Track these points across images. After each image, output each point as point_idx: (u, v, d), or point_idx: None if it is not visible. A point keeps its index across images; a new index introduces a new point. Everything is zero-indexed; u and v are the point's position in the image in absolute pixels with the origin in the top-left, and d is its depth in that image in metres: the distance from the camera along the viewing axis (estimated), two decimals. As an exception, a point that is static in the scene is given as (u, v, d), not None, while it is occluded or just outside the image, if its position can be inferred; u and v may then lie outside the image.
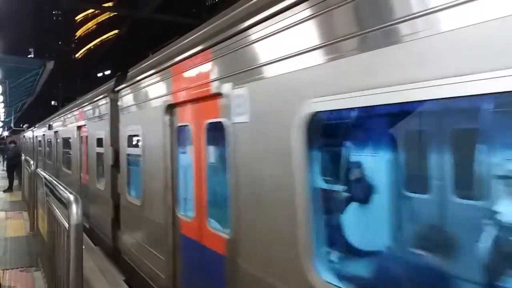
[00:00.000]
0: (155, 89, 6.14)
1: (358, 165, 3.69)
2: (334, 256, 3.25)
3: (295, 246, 3.00)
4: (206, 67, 4.55)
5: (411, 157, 3.71)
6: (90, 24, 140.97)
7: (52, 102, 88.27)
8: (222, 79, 4.17)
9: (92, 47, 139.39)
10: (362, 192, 3.68)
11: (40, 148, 25.16)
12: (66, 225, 3.79)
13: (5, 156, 19.95)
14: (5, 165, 20.49)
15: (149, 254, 6.20)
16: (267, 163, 3.46)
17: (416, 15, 2.15)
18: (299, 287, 2.95)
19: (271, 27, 3.40)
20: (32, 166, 9.35)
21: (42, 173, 6.68)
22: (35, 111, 60.59)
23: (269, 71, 3.45)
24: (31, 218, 9.42)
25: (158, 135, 5.79)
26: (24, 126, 47.68)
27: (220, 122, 4.23)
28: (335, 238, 3.33)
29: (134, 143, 7.15)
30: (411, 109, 2.97)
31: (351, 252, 3.44)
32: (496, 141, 2.81)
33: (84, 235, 6.59)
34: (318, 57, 2.89)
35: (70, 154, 14.07)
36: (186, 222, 5.23)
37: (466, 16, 1.92)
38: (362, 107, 2.59)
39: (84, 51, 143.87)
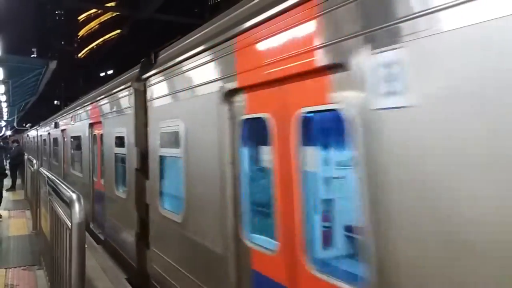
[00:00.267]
0: (205, 71, 4.61)
1: None
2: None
3: None
4: (307, 28, 3.08)
5: None
6: (93, 24, 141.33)
7: (55, 102, 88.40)
8: (343, 41, 2.71)
9: (94, 47, 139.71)
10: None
11: (45, 147, 23.48)
12: (69, 223, 3.81)
13: (8, 155, 19.95)
14: (8, 164, 20.51)
15: None
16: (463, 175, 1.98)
17: None
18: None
19: None
20: (35, 165, 9.35)
21: (45, 172, 6.71)
22: (38, 110, 60.70)
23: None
24: (34, 217, 9.45)
25: (210, 132, 4.42)
26: (27, 126, 47.81)
27: (332, 109, 2.91)
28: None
29: (171, 142, 5.67)
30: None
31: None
32: None
33: (87, 233, 6.52)
34: None
35: (80, 154, 12.20)
36: (263, 255, 3.73)
37: None
38: None
39: (86, 51, 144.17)
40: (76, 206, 3.62)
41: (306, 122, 3.26)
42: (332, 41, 2.83)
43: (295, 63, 3.18)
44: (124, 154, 7.40)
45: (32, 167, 9.72)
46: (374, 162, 2.44)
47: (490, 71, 1.85)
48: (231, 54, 4.07)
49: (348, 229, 3.12)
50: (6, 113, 46.40)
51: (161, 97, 5.94)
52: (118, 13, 79.27)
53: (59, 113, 19.19)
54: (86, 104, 11.39)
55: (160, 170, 5.99)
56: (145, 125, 6.52)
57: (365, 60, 2.51)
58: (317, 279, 2.99)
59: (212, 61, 4.49)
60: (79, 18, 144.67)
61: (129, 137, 7.06)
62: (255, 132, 4.02)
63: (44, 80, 23.95)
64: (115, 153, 8.03)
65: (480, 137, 1.89)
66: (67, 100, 57.76)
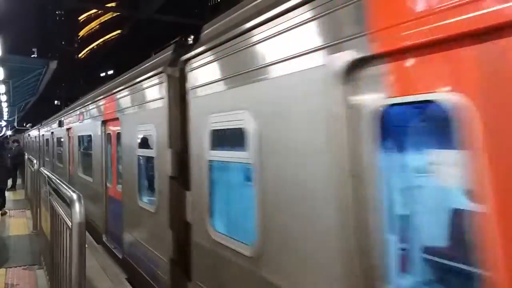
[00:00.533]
0: (297, 38, 3.12)
1: None
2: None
3: None
4: None
5: None
6: (93, 24, 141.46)
7: (55, 102, 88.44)
8: None
9: (95, 47, 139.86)
10: None
11: (47, 147, 21.82)
12: (69, 223, 3.82)
13: (8, 155, 19.92)
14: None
15: None
16: None
17: None
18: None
19: None
20: (35, 165, 9.36)
21: (45, 171, 6.72)
22: (38, 110, 60.77)
23: None
24: (34, 217, 9.46)
25: (312, 127, 2.95)
26: (27, 125, 47.83)
27: None
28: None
29: (230, 142, 4.34)
30: None
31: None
32: None
33: (87, 233, 6.48)
34: None
35: (90, 156, 10.71)
36: None
37: None
38: None
39: (87, 51, 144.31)
40: (77, 206, 3.62)
41: None
42: None
43: None
44: (152, 157, 5.98)
45: (33, 167, 9.72)
46: None
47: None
48: (358, 2, 2.56)
49: None
50: (7, 113, 46.44)
51: (212, 82, 4.41)
52: (118, 13, 79.31)
53: (64, 110, 17.41)
54: (97, 99, 9.91)
55: (210, 179, 4.45)
56: (183, 120, 5.08)
57: None
58: None
59: (312, 19, 2.95)
60: (79, 18, 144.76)
61: (159, 136, 5.62)
62: (415, 126, 2.78)
63: (44, 80, 23.99)
64: (139, 156, 6.60)
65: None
66: (68, 100, 57.79)
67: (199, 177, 4.62)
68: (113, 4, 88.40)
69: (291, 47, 3.16)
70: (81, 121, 12.18)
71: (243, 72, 3.80)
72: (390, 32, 2.33)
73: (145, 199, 6.48)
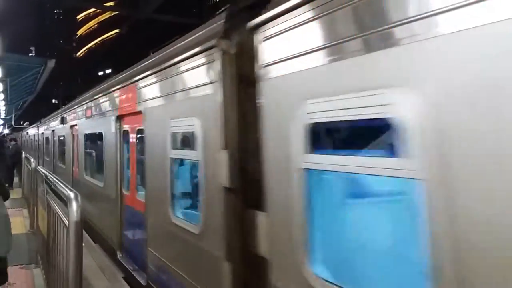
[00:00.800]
0: None
1: None
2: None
3: None
4: None
5: None
6: (92, 23, 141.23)
7: (53, 101, 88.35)
8: None
9: (93, 46, 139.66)
10: None
11: (47, 146, 20.44)
12: (66, 222, 3.82)
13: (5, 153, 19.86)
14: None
15: None
16: None
17: None
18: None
19: None
20: (33, 163, 9.33)
21: (42, 170, 6.71)
22: (36, 109, 60.68)
23: None
24: (31, 216, 9.44)
25: None
26: (25, 124, 47.72)
27: None
28: None
29: (343, 142, 3.25)
30: None
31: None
32: None
33: (84, 232, 6.45)
34: None
35: (99, 157, 9.52)
36: None
37: None
38: None
39: (85, 50, 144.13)
40: (74, 205, 3.62)
41: None
42: None
43: None
44: (194, 160, 4.67)
45: (30, 165, 9.69)
46: None
47: None
48: None
49: None
50: (4, 112, 46.35)
51: (310, 51, 2.87)
52: (117, 12, 79.26)
53: (67, 105, 15.62)
54: (110, 91, 8.32)
55: (308, 196, 2.95)
56: (243, 112, 3.81)
57: None
58: None
59: None
60: (78, 17, 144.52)
61: (207, 133, 4.25)
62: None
63: (42, 79, 23.95)
64: (172, 158, 5.18)
65: None
66: (65, 99, 57.72)
67: (283, 193, 3.13)
68: (111, 3, 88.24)
69: None
70: (88, 117, 10.67)
71: (392, 25, 2.22)
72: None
73: (183, 215, 5.05)
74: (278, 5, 3.21)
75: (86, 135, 10.97)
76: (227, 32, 4.03)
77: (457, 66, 1.90)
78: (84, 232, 4.69)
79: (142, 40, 76.44)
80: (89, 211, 9.80)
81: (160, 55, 5.81)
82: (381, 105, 2.29)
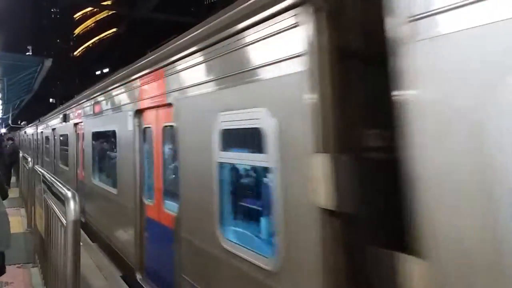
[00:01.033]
0: None
1: None
2: None
3: None
4: None
5: None
6: (89, 22, 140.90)
7: (50, 100, 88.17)
8: None
9: (90, 45, 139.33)
10: None
11: (47, 146, 19.42)
12: (64, 221, 3.82)
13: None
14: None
15: None
16: None
17: None
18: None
19: None
20: (30, 163, 9.30)
21: (40, 169, 6.70)
22: (33, 108, 60.54)
23: None
24: (29, 215, 9.43)
25: None
26: (22, 123, 47.58)
27: None
28: None
29: None
30: None
31: None
32: None
33: (82, 231, 6.39)
34: None
35: (112, 159, 8.40)
36: None
37: None
38: None
39: (82, 49, 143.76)
40: (71, 204, 3.62)
41: None
42: None
43: None
44: (262, 167, 3.60)
45: (27, 165, 9.67)
46: None
47: None
48: None
49: None
50: (1, 111, 46.20)
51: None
52: (114, 11, 79.10)
53: (71, 101, 14.00)
54: (125, 82, 7.08)
55: None
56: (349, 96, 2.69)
57: None
58: None
59: None
60: (75, 16, 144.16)
61: (286, 130, 3.10)
62: None
63: (39, 78, 23.87)
64: (221, 163, 4.04)
65: None
66: (63, 98, 57.62)
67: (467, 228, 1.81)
68: (109, 2, 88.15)
69: None
70: (97, 114, 9.37)
71: None
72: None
73: (240, 239, 3.86)
74: None
75: (94, 133, 9.73)
76: None
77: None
78: (81, 231, 4.68)
79: (139, 39, 76.29)
80: (98, 220, 9.26)
81: (206, 27, 4.31)
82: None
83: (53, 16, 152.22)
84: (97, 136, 9.65)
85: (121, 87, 7.35)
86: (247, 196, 4.10)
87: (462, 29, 1.78)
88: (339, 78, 2.64)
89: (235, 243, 3.80)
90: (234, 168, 4.17)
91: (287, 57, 3.01)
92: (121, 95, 7.45)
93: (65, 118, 13.64)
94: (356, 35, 2.58)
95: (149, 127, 6.25)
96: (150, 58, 5.96)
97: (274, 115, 3.17)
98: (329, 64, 2.66)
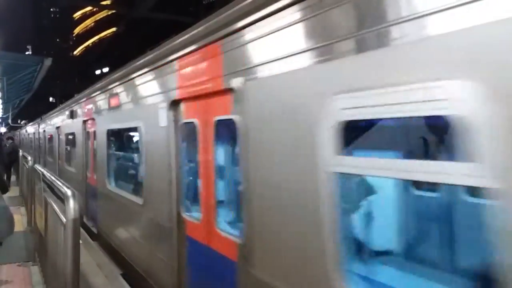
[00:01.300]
0: None
1: None
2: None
3: None
4: None
5: None
6: (88, 22, 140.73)
7: (50, 99, 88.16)
8: None
9: (90, 44, 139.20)
10: None
11: (50, 146, 18.20)
12: (64, 219, 3.84)
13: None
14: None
15: None
16: None
17: None
18: None
19: None
20: (30, 161, 9.30)
21: (40, 168, 6.72)
22: (33, 108, 60.53)
23: None
24: (29, 213, 9.45)
25: None
26: (22, 122, 47.53)
27: None
28: None
29: None
30: None
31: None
32: None
33: (82, 229, 6.34)
34: None
35: (134, 162, 7.53)
36: None
37: None
38: None
39: (82, 48, 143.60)
40: (71, 202, 3.64)
41: None
42: None
43: None
44: (468, 187, 2.81)
45: (27, 164, 9.67)
46: None
47: None
48: None
49: None
50: (1, 110, 46.20)
51: None
52: (113, 11, 79.05)
53: (78, 96, 12.27)
54: (155, 67, 5.70)
55: None
56: None
57: None
58: None
59: None
60: (74, 16, 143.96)
61: None
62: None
63: (39, 77, 23.88)
64: (335, 174, 2.60)
65: None
66: (63, 97, 57.63)
67: None
68: (108, 2, 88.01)
69: None
70: (113, 108, 7.88)
71: None
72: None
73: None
74: None
75: (110, 131, 8.41)
76: None
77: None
78: (81, 229, 4.69)
79: (138, 39, 76.28)
80: (115, 234, 7.77)
81: None
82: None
83: (53, 15, 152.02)
84: (113, 134, 8.47)
85: (148, 73, 5.97)
86: (400, 227, 2.77)
87: None
88: None
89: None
90: (369, 184, 3.05)
91: None
92: (148, 84, 6.07)
93: (72, 115, 12.32)
94: None
95: (190, 122, 4.84)
96: (195, 31, 4.54)
97: (493, 94, 1.76)
98: None
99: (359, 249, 2.93)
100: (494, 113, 1.74)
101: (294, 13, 2.97)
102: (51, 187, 5.08)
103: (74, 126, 11.95)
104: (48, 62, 19.93)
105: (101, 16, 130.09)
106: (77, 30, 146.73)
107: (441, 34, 1.96)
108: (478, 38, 1.80)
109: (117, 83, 7.61)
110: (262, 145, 3.36)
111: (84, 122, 10.79)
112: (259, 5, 3.31)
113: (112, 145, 8.67)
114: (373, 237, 2.99)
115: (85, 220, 10.23)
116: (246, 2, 3.53)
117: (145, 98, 6.18)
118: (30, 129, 28.57)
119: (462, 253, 2.81)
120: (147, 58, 6.05)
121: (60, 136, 15.04)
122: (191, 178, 5.11)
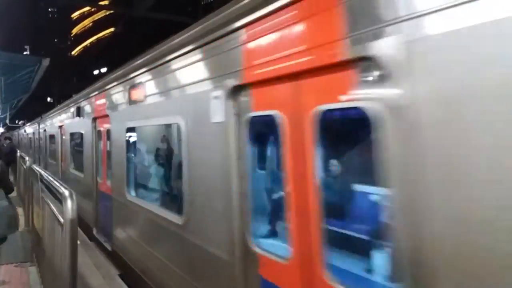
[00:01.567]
0: None
1: None
2: None
3: None
4: None
5: None
6: (86, 22, 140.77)
7: (48, 99, 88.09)
8: None
9: (88, 44, 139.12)
10: None
11: (52, 146, 16.86)
12: (61, 220, 3.84)
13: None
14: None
15: None
16: None
17: None
18: None
19: None
20: (27, 162, 9.28)
21: (37, 169, 6.71)
22: (30, 108, 60.45)
23: None
24: (26, 214, 9.44)
25: None
26: (20, 123, 47.46)
27: None
28: None
29: None
30: None
31: None
32: None
33: (79, 230, 6.24)
34: None
35: (168, 169, 6.87)
36: None
37: None
38: None
39: (80, 48, 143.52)
40: (69, 203, 3.65)
41: None
42: None
43: None
44: None
45: (25, 164, 9.65)
46: None
47: None
48: None
49: None
50: (-1, 111, 46.13)
51: None
52: (111, 11, 78.99)
53: (85, 91, 10.56)
54: (205, 42, 4.23)
55: None
56: None
57: None
58: None
59: None
60: (72, 16, 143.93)
61: None
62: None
63: (37, 78, 23.81)
64: None
65: None
66: (61, 97, 57.57)
67: None
68: (106, 2, 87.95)
69: None
70: (135, 102, 6.31)
71: None
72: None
73: None
74: None
75: (131, 130, 6.98)
76: None
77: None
78: (79, 229, 4.68)
79: (137, 39, 76.25)
80: (142, 262, 5.97)
81: None
82: None
83: (50, 15, 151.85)
84: (135, 133, 7.21)
85: (194, 52, 4.48)
86: None
87: None
88: None
89: None
90: None
91: None
92: (190, 68, 4.58)
93: (79, 112, 10.74)
94: None
95: (267, 115, 3.41)
96: None
97: None
98: None
99: None
100: None
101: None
102: (49, 188, 5.07)
103: (82, 124, 10.49)
104: (46, 62, 19.86)
105: (99, 16, 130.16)
106: (75, 30, 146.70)
107: None
108: None
109: (143, 70, 6.01)
110: (447, 151, 1.97)
111: (94, 119, 9.33)
112: None
113: (134, 146, 7.34)
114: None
115: (95, 232, 9.05)
116: None
117: (186, 87, 4.68)
118: (29, 129, 27.08)
119: None
120: (188, 34, 4.60)
121: (64, 136, 13.63)
122: (266, 193, 3.90)
